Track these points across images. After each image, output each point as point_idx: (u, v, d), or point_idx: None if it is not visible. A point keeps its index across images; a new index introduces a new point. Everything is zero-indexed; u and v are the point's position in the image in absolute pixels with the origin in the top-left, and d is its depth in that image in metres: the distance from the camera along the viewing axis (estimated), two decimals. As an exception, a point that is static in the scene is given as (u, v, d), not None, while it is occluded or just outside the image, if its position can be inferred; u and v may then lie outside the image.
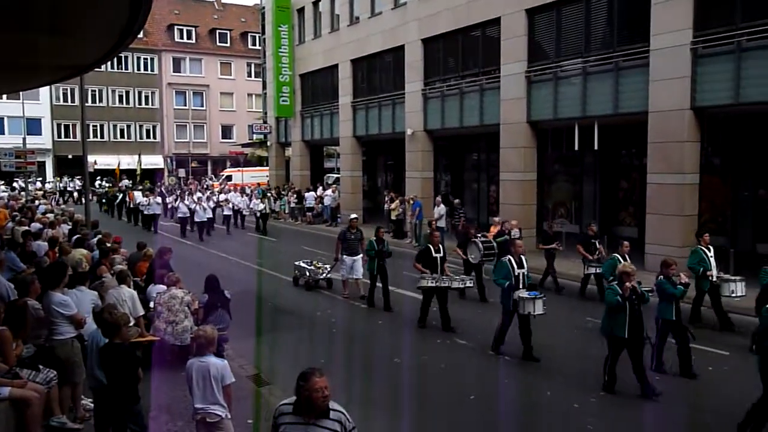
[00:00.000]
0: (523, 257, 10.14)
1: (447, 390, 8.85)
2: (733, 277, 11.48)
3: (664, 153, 16.16)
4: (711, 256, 11.48)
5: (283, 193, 32.95)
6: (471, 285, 12.51)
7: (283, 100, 34.19)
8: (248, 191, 33.06)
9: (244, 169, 41.38)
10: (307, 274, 15.32)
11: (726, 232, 18.74)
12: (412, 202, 23.04)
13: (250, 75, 58.28)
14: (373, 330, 12.07)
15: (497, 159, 21.94)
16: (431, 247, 11.86)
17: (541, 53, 20.04)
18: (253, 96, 56.73)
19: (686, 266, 11.65)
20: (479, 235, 14.92)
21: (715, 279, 11.33)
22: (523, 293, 9.76)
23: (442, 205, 21.58)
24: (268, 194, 30.47)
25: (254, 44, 56.44)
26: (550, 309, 10.30)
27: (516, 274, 9.86)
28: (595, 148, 18.62)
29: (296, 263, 15.93)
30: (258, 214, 27.15)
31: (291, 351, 10.58)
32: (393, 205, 24.46)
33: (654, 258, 14.52)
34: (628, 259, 11.36)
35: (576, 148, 19.23)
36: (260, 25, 40.24)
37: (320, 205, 29.90)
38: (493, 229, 16.00)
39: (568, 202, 23.56)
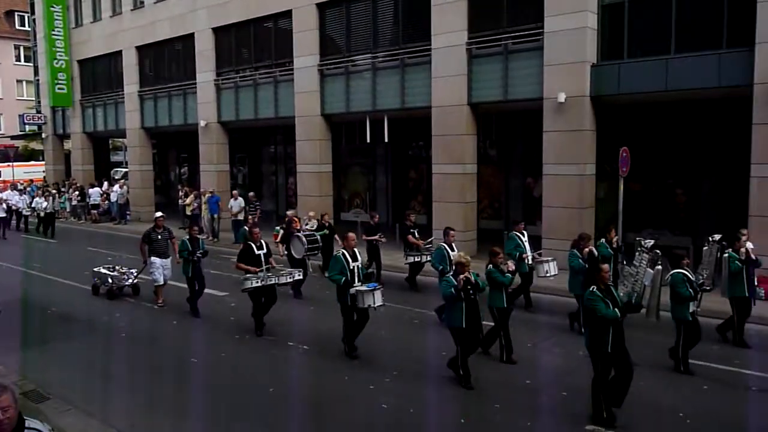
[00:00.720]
0: (356, 250, 9.95)
1: (246, 386, 8.76)
2: (546, 258, 12.34)
3: (446, 145, 17.43)
4: (525, 241, 12.30)
5: (63, 189, 30.06)
6: (300, 277, 11.99)
7: (59, 88, 31.11)
8: (23, 188, 29.50)
9: (15, 164, 37.03)
10: (110, 281, 13.62)
11: (501, 216, 20.75)
12: (209, 196, 22.35)
13: (18, 59, 52.14)
14: (176, 335, 11.46)
15: (294, 151, 22.08)
16: (252, 244, 11.18)
17: (333, 47, 20.49)
18: (24, 82, 50.90)
19: (505, 252, 12.58)
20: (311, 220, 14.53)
21: (530, 262, 12.11)
22: (360, 287, 9.52)
23: (240, 198, 21.20)
24: (53, 191, 27.43)
25: (23, 25, 50.56)
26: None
27: (351, 267, 9.61)
28: (386, 140, 19.50)
29: (95, 269, 14.12)
30: (42, 214, 24.31)
31: (79, 361, 9.74)
32: (188, 200, 23.53)
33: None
34: (455, 248, 11.40)
35: (368, 140, 19.98)
36: (29, 3, 36.17)
37: (107, 202, 27.80)
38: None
39: (363, 193, 24.43)
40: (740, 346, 9.86)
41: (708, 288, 9.59)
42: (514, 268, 9.80)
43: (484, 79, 16.75)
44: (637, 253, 9.11)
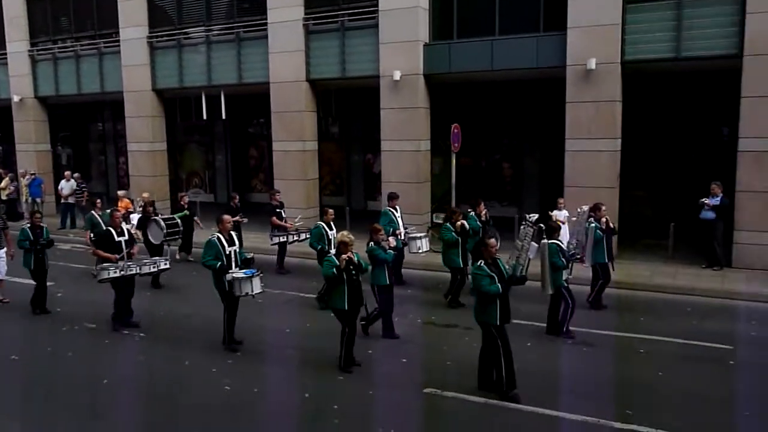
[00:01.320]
0: (232, 233, 9.38)
1: (77, 378, 8.22)
2: (418, 234, 12.37)
3: (286, 122, 17.27)
4: (399, 217, 12.35)
5: None
6: (167, 267, 11.04)
7: None
8: None
9: None
10: None
11: (343, 192, 21.06)
12: (30, 178, 20.40)
13: None
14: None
15: (124, 129, 20.75)
16: (113, 230, 10.18)
17: (163, 18, 19.38)
18: None
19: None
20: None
21: (403, 237, 12.12)
22: (238, 273, 8.98)
23: (72, 180, 19.52)
24: None
25: None
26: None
27: (227, 252, 9.04)
28: (224, 117, 18.93)
29: None
30: None
31: None
32: (2, 184, 21.32)
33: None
34: (333, 227, 11.12)
35: (205, 117, 19.27)
36: None
37: None
38: (122, 205, 15.16)
39: (201, 172, 23.61)
40: (597, 308, 10.65)
41: (579, 257, 10.10)
42: (394, 244, 9.81)
43: (322, 56, 16.75)
44: (521, 227, 9.26)
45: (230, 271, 8.95)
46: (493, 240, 7.57)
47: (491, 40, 14.83)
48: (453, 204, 14.24)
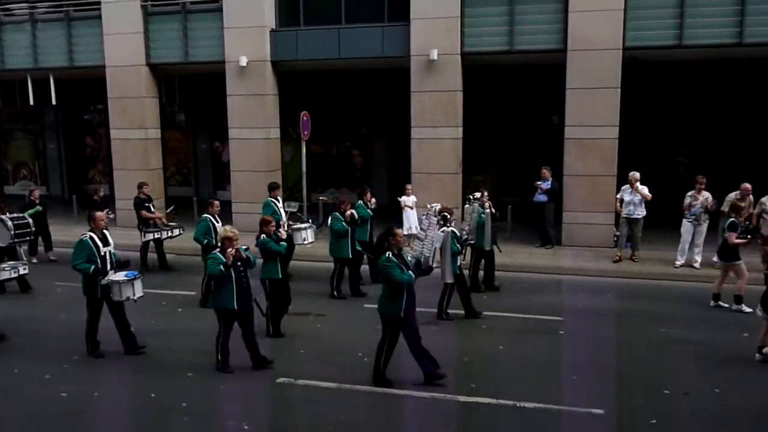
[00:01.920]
0: (107, 232, 8.47)
1: None
2: (303, 225, 11.86)
3: (125, 108, 16.30)
4: (281, 207, 11.93)
5: None
6: (25, 271, 9.99)
7: None
8: None
9: None
10: None
11: (190, 182, 20.30)
12: None
13: None
14: None
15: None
16: None
17: (-23, -7, 17.46)
18: None
19: None
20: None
21: (287, 229, 11.41)
22: (116, 276, 8.18)
23: None
24: None
25: None
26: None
27: (102, 253, 8.16)
28: (54, 103, 17.45)
29: None
30: None
31: None
32: None
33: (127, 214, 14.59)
34: (219, 220, 10.64)
35: (32, 102, 17.65)
36: None
37: None
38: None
39: (31, 163, 21.70)
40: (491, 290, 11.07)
41: (472, 241, 10.37)
42: (286, 236, 9.51)
43: (163, 39, 15.97)
44: (424, 217, 9.19)
45: (106, 274, 8.13)
46: (400, 231, 7.46)
47: (338, 28, 14.93)
48: (304, 192, 14.26)
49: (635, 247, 12.67)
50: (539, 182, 13.86)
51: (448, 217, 9.48)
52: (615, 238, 13.06)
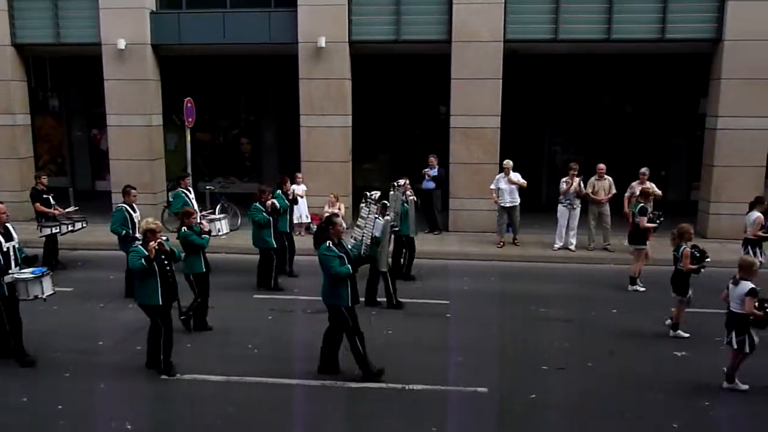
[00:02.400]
0: (10, 226, 7.69)
1: None
2: (217, 216, 11.46)
3: (-11, 92, 15.04)
4: (192, 198, 11.40)
5: None
6: None
7: None
8: None
9: None
10: None
11: (65, 172, 19.10)
12: None
13: None
14: None
15: None
16: None
17: None
18: None
19: (171, 211, 11.11)
20: None
21: (199, 220, 10.94)
22: (21, 273, 7.53)
23: None
24: None
25: None
26: None
27: (5, 249, 7.48)
28: None
29: None
30: None
31: None
32: None
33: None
34: (136, 209, 10.11)
35: None
36: None
37: None
38: None
39: None
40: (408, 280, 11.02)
41: (397, 228, 10.24)
42: (208, 228, 9.11)
43: (31, 18, 14.86)
44: (363, 205, 9.06)
45: (10, 271, 7.49)
46: (339, 220, 7.35)
47: (222, 12, 14.48)
48: (190, 181, 13.76)
49: (515, 232, 13.28)
50: (427, 169, 14.19)
51: (388, 205, 9.44)
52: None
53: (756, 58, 13.08)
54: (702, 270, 8.46)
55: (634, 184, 12.56)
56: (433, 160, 14.22)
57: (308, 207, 13.73)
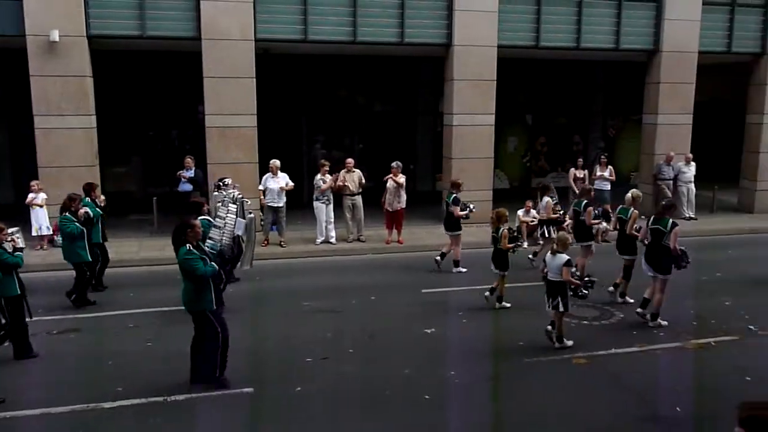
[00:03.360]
0: None
1: None
2: (13, 229, 9.28)
3: None
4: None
5: None
6: None
7: None
8: None
9: None
10: None
11: None
12: None
13: None
14: None
15: None
16: None
17: None
18: None
19: None
20: None
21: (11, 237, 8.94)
22: None
23: None
24: None
25: None
26: None
27: None
28: None
29: None
30: None
31: None
32: None
33: None
34: None
35: None
36: None
37: None
38: None
39: None
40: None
41: None
42: (22, 245, 8.07)
43: None
44: (220, 204, 8.66)
45: None
46: (198, 222, 7.09)
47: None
48: None
49: (281, 231, 13.42)
50: (182, 171, 13.72)
51: (248, 202, 9.41)
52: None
53: (479, 63, 14.78)
54: (518, 248, 9.85)
55: (387, 178, 13.44)
56: (189, 161, 13.79)
57: (49, 217, 12.45)
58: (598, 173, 15.55)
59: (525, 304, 9.67)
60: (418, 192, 18.34)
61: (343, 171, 13.44)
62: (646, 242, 9.02)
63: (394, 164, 13.41)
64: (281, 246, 13.28)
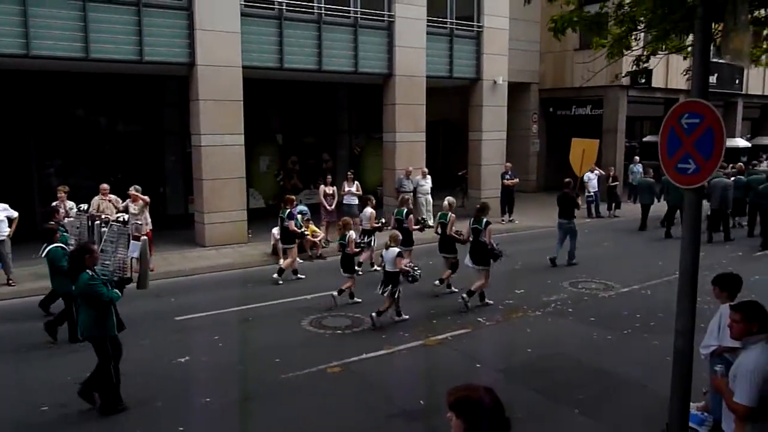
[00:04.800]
0: None
1: None
2: None
3: None
4: None
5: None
6: None
7: None
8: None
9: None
10: None
11: None
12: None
13: None
14: None
15: None
16: None
17: None
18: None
19: None
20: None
21: None
22: None
23: None
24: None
25: None
26: None
27: None
28: None
29: None
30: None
31: None
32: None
33: None
34: None
35: None
36: None
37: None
38: None
39: None
40: None
41: None
42: None
43: None
44: (105, 229, 8.24)
45: None
46: (96, 247, 7.21)
47: None
48: None
49: (7, 268, 11.86)
50: None
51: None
52: None
53: (225, 83, 14.70)
54: (363, 251, 11.72)
55: (128, 201, 12.67)
56: None
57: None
58: (346, 189, 16.34)
59: (271, 320, 9.83)
60: (169, 216, 17.60)
61: (97, 197, 12.45)
62: (471, 239, 10.75)
63: (130, 190, 12.70)
64: (9, 284, 11.76)
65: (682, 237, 4.87)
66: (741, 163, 20.69)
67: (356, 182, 16.58)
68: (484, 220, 10.57)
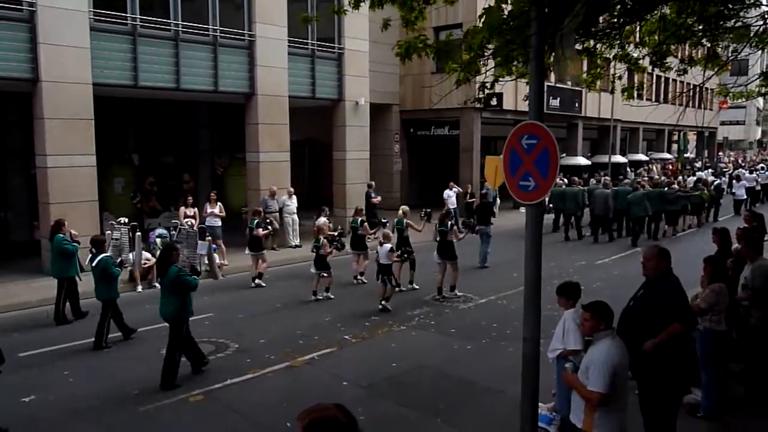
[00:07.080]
0: None
1: None
2: None
3: None
4: None
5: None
6: None
7: None
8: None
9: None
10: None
11: None
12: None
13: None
14: None
15: None
16: None
17: None
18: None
19: None
20: None
21: None
22: None
23: None
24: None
25: None
26: None
27: None
28: None
29: None
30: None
31: None
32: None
33: None
34: None
35: None
36: None
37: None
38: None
39: None
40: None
41: None
42: None
43: None
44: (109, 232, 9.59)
45: None
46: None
47: None
48: None
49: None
50: None
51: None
52: None
53: (73, 100, 13.86)
54: (339, 249, 13.10)
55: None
56: None
57: None
58: (209, 210, 15.90)
59: (130, 352, 9.38)
60: (13, 243, 16.23)
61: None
62: (438, 239, 12.70)
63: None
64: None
65: (526, 249, 5.23)
66: (607, 177, 23.10)
67: (219, 203, 16.19)
68: (449, 223, 12.84)
